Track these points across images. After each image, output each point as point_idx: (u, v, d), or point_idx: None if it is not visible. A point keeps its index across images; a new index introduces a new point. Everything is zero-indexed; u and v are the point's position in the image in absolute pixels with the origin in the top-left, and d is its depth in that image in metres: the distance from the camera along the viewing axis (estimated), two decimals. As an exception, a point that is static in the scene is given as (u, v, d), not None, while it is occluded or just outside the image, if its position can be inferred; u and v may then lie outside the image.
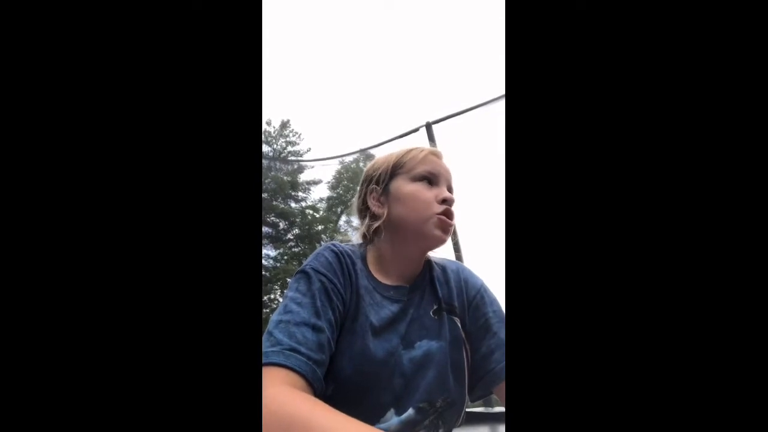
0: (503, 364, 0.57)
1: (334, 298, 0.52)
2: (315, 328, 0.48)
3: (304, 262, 0.57)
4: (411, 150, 0.66)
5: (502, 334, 0.60)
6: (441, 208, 0.60)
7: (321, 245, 0.62)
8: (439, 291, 0.62)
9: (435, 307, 0.61)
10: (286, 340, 0.46)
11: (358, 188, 0.69)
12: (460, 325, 0.61)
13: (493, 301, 0.65)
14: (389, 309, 0.58)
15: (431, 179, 0.63)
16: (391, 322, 0.56)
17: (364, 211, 0.66)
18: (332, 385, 0.50)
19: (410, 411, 0.52)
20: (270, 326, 0.49)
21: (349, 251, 0.60)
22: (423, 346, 0.56)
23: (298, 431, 0.38)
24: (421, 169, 0.63)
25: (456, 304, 0.63)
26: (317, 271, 0.54)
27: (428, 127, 2.94)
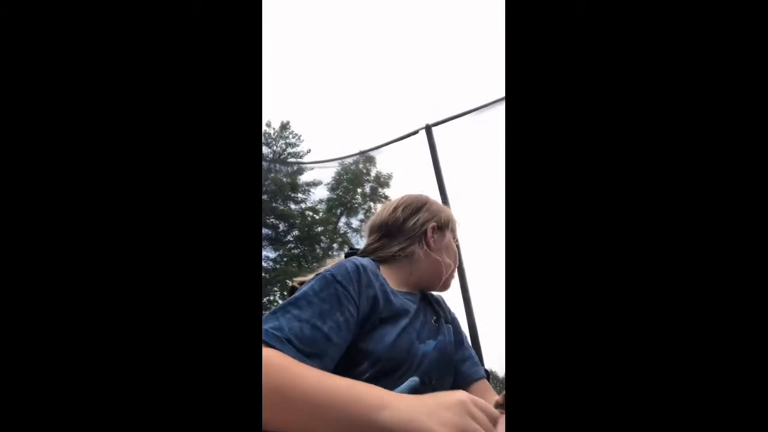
0: (471, 371, 0.75)
1: (345, 302, 0.60)
2: (314, 327, 0.55)
3: (328, 268, 0.66)
4: (447, 209, 0.85)
5: (470, 350, 0.80)
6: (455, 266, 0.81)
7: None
8: (435, 306, 0.79)
9: (434, 317, 0.76)
10: (286, 328, 0.53)
11: (404, 211, 0.81)
12: (453, 330, 0.78)
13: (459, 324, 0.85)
14: (410, 313, 0.70)
15: (453, 239, 0.83)
16: (411, 321, 0.69)
17: (405, 233, 0.79)
18: (369, 367, 0.60)
19: (414, 379, 0.61)
20: (282, 306, 0.58)
21: (369, 267, 0.70)
22: (431, 344, 0.69)
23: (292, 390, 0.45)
24: (452, 229, 0.83)
25: (448, 316, 0.80)
26: (335, 278, 0.62)
27: (428, 129, 2.95)
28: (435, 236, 0.79)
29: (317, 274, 0.65)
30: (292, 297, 0.60)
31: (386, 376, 0.60)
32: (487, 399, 0.57)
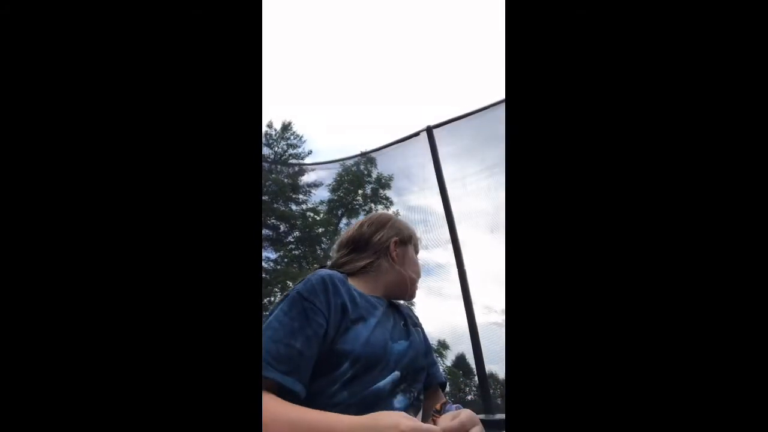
0: (438, 374, 0.83)
1: (313, 317, 0.66)
2: (288, 346, 0.62)
3: (296, 286, 0.71)
4: (410, 228, 0.92)
5: (433, 357, 0.86)
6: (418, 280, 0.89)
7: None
8: (402, 312, 0.86)
9: (403, 322, 0.83)
10: (265, 353, 0.60)
11: (370, 227, 0.89)
12: (422, 335, 0.85)
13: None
14: (378, 313, 0.77)
15: (416, 253, 0.92)
16: (380, 321, 0.75)
17: (371, 247, 0.86)
18: (350, 366, 0.66)
19: (395, 373, 0.70)
20: None
21: (335, 276, 0.76)
22: (403, 343, 0.76)
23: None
24: (414, 244, 0.92)
25: (417, 322, 0.88)
26: (302, 296, 0.68)
27: (429, 131, 2.95)
28: (398, 250, 0.87)
29: (286, 294, 0.71)
30: (266, 321, 0.67)
31: (366, 373, 0.66)
32: (437, 402, 0.69)
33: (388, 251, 0.86)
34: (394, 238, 0.88)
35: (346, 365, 0.66)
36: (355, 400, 0.63)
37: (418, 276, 0.90)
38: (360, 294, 0.77)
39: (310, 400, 0.63)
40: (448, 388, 0.89)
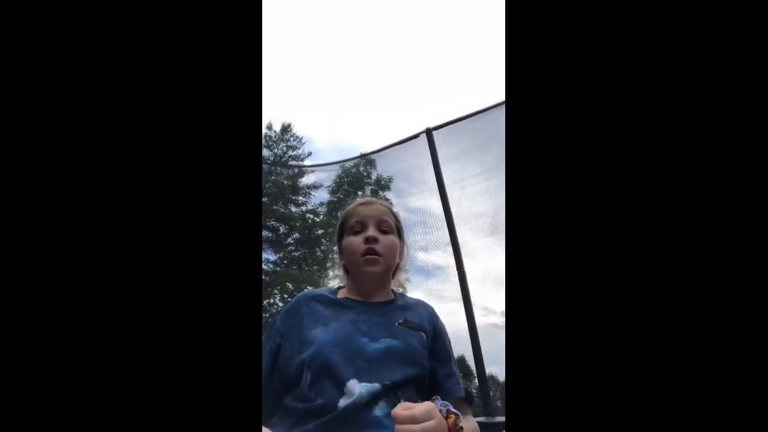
0: (454, 389, 0.79)
1: (271, 335, 0.78)
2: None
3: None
4: (344, 211, 0.90)
5: (454, 367, 0.83)
6: (364, 247, 0.82)
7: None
8: (405, 314, 0.84)
9: (401, 320, 0.81)
10: None
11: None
12: (425, 339, 0.80)
13: (449, 341, 0.87)
14: (348, 314, 0.80)
15: (359, 228, 0.85)
16: (351, 321, 0.77)
17: (341, 267, 0.93)
18: (308, 373, 0.69)
19: (374, 385, 0.69)
20: None
21: (308, 295, 0.83)
22: (386, 342, 0.75)
23: None
24: (350, 223, 0.86)
25: (425, 326, 0.83)
26: (275, 319, 0.79)
27: (428, 132, 2.95)
28: (342, 256, 0.89)
29: None
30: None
31: (324, 372, 0.68)
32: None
33: (341, 264, 0.91)
34: (335, 248, 0.92)
35: (305, 374, 0.69)
36: (326, 401, 0.64)
37: (358, 249, 0.82)
38: (334, 301, 0.81)
39: (290, 409, 0.68)
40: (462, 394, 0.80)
